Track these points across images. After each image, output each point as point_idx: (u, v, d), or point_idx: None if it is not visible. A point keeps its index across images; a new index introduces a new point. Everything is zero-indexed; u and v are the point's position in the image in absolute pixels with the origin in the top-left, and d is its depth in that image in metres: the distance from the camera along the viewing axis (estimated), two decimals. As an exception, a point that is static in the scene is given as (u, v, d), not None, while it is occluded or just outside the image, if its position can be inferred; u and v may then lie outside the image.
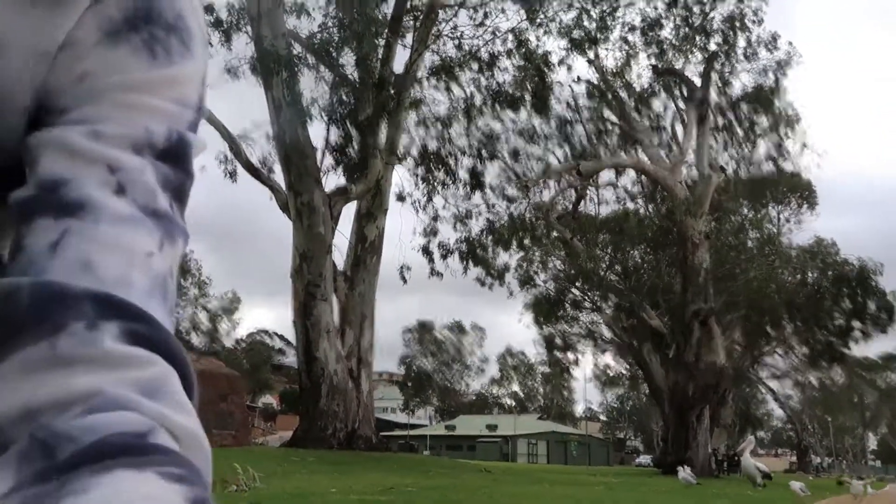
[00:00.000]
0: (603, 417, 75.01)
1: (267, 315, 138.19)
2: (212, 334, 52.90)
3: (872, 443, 76.35)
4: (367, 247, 19.92)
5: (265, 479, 8.61)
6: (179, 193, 0.43)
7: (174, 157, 0.43)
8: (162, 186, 0.41)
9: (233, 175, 21.25)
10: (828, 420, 64.29)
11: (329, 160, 19.26)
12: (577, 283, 27.28)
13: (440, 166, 19.33)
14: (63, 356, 0.33)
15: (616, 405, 71.46)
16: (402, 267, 22.06)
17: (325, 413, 17.45)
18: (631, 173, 25.29)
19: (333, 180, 19.11)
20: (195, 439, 0.34)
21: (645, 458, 48.30)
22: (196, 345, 51.30)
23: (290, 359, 57.55)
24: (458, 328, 65.78)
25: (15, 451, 0.30)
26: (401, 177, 28.60)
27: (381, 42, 17.63)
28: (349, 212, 20.52)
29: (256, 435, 40.32)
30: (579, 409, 74.86)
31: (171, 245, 0.40)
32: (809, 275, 26.44)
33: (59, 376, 0.32)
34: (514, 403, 67.69)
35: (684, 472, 15.34)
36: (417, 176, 20.30)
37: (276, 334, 65.86)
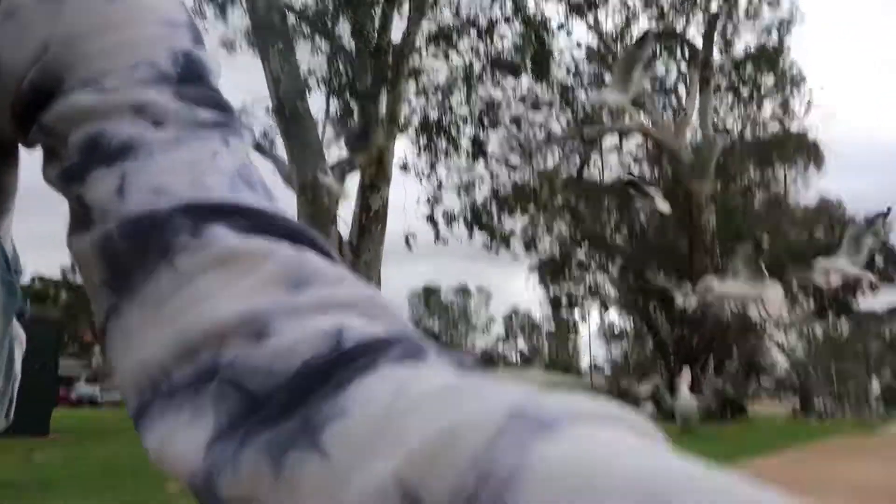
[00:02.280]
0: (607, 371, 76.15)
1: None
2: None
3: (876, 388, 77.48)
4: (371, 216, 19.94)
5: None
6: (221, 107, 0.38)
7: (192, 79, 0.37)
8: (199, 105, 0.36)
9: (235, 149, 21.14)
10: (831, 367, 65.13)
11: (330, 132, 19.13)
12: (582, 246, 27.29)
13: (442, 135, 19.17)
14: (186, 273, 0.30)
15: (620, 359, 72.43)
16: (407, 235, 22.11)
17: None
18: (635, 138, 25.01)
19: (336, 152, 19.06)
20: (371, 301, 0.31)
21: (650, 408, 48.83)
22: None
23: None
24: (463, 292, 66.28)
25: (206, 395, 0.28)
26: (403, 147, 28.40)
27: (378, 11, 17.35)
28: (353, 182, 20.49)
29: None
30: (584, 364, 76.03)
31: (239, 139, 0.37)
32: (817, 234, 26.38)
33: (195, 300, 0.29)
34: (519, 360, 68.66)
35: None
36: (420, 146, 20.17)
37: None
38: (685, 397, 12.55)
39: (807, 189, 29.07)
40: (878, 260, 26.44)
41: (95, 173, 0.33)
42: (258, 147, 20.12)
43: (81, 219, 0.34)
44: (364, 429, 0.24)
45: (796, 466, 9.78)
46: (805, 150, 28.84)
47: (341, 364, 0.27)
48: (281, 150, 19.40)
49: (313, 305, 0.29)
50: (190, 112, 0.36)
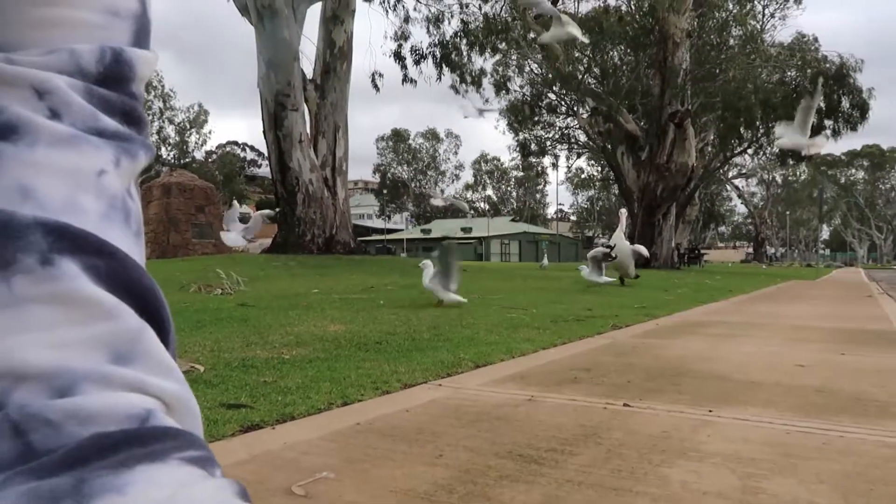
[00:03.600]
0: (573, 217, 77.91)
1: (239, 126, 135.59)
2: (181, 147, 52.06)
3: (825, 233, 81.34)
4: (336, 53, 19.00)
5: (249, 283, 8.92)
6: (131, 117, 0.35)
7: (112, 81, 0.34)
8: (104, 111, 0.34)
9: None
10: (786, 214, 67.62)
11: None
12: (553, 88, 26.67)
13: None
14: (18, 297, 0.27)
15: (586, 206, 73.90)
16: (373, 74, 21.25)
17: (303, 220, 17.83)
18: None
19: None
20: (184, 403, 0.30)
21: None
22: (166, 158, 50.69)
23: (264, 170, 57.65)
24: (432, 136, 65.38)
25: None
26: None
27: None
28: (314, 14, 19.30)
29: (238, 243, 41.47)
30: (551, 211, 77.53)
31: (132, 160, 0.34)
32: (788, 73, 26.03)
33: (14, 328, 0.27)
34: (487, 207, 69.55)
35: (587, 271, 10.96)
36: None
37: (247, 145, 65.27)
38: (624, 244, 11.13)
39: (784, 25, 28.34)
40: (845, 104, 26.49)
41: None
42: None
43: None
44: None
45: (742, 306, 10.25)
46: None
47: (133, 443, 0.26)
48: (235, -25, 17.97)
49: (128, 383, 0.28)
50: (92, 115, 0.33)
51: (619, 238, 11.43)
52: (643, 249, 12.02)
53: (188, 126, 51.99)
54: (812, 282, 17.13)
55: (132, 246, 0.32)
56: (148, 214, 19.61)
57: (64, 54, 0.33)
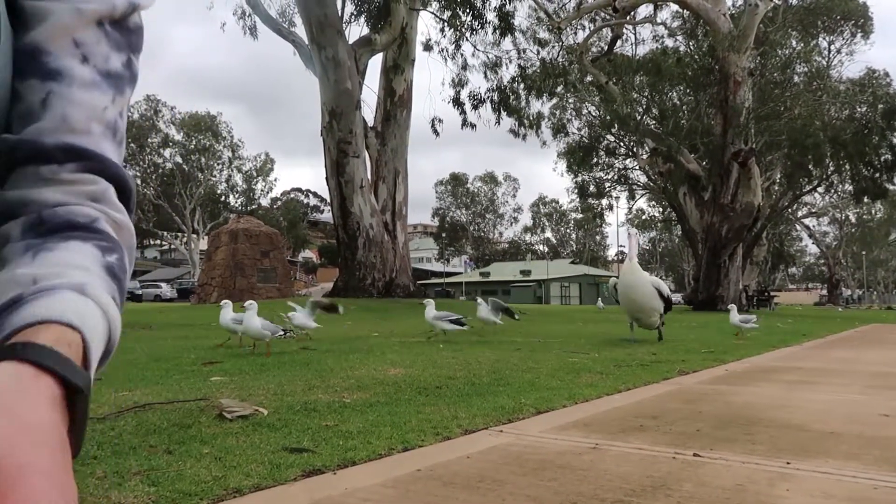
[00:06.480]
0: (635, 259, 76.30)
1: (303, 173, 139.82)
2: (248, 195, 53.95)
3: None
4: (396, 101, 19.52)
5: (313, 328, 9.03)
6: (131, 46, 0.56)
7: (125, 22, 0.55)
8: (115, 49, 0.54)
9: (252, 31, 20.53)
10: (862, 254, 64.44)
11: (350, 8, 18.41)
12: (612, 129, 26.57)
13: (466, 9, 18.26)
14: (43, 176, 0.50)
15: (648, 247, 72.48)
16: (433, 120, 21.70)
17: (364, 264, 18.09)
18: (670, 7, 23.63)
19: (356, 31, 18.43)
20: (125, 226, 0.54)
21: (675, 297, 49.16)
22: (234, 205, 52.63)
23: (326, 215, 59.04)
24: (490, 179, 65.84)
25: (24, 218, 0.49)
26: (427, 25, 27.34)
27: None
28: (375, 65, 19.94)
29: (299, 287, 42.30)
30: (611, 253, 76.28)
31: (121, 96, 0.55)
32: (858, 109, 25.17)
33: (41, 186, 0.50)
34: (546, 249, 69.04)
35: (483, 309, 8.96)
36: (444, 21, 19.30)
37: (311, 192, 67.19)
38: (630, 284, 8.15)
39: (852, 60, 27.49)
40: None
41: (33, 81, 0.51)
42: (276, 28, 19.53)
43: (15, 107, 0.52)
44: None
45: (817, 350, 9.80)
46: (853, 17, 27.12)
47: (79, 227, 0.51)
48: (300, 31, 18.81)
49: (97, 209, 0.52)
50: (106, 58, 0.53)
51: (631, 270, 8.30)
52: (663, 287, 8.51)
53: (255, 174, 53.93)
54: (893, 325, 16.19)
55: (114, 150, 0.54)
56: (216, 260, 20.30)
57: (108, 4, 0.53)
